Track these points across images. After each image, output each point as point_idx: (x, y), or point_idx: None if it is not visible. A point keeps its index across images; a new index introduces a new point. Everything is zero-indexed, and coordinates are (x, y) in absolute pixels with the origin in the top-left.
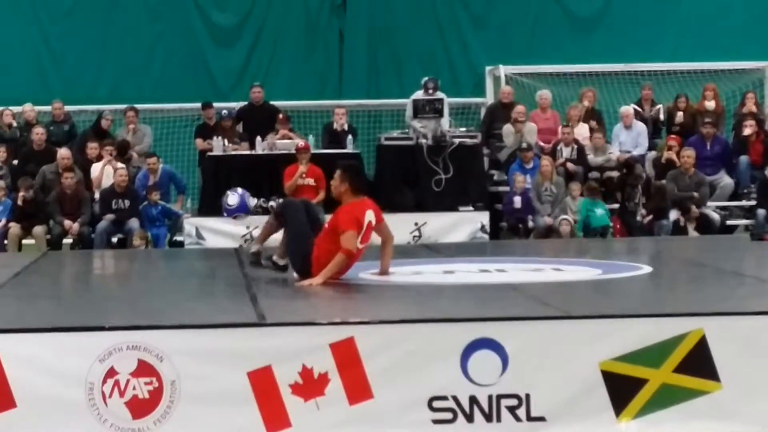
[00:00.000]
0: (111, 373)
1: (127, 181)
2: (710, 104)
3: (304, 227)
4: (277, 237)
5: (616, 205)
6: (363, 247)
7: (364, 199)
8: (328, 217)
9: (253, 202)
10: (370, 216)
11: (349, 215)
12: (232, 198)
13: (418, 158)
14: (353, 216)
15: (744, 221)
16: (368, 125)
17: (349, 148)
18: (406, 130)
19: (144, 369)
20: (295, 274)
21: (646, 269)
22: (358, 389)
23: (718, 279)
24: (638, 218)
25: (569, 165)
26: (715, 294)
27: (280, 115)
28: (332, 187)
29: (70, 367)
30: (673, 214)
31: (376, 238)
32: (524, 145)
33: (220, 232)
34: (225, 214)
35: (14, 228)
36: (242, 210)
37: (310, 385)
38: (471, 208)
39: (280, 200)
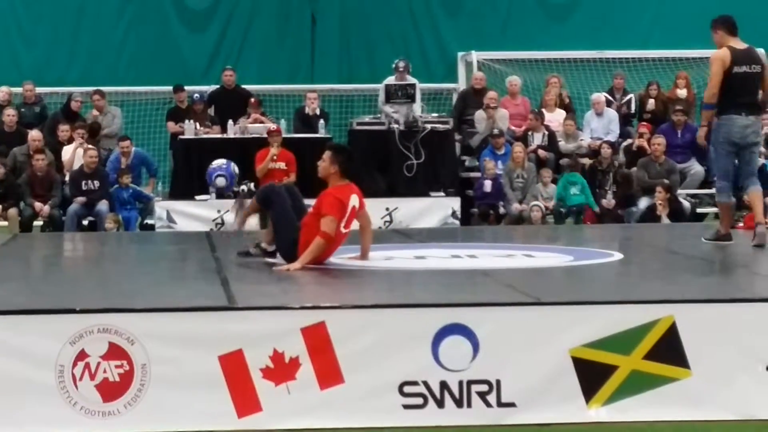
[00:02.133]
0: (81, 356)
1: (97, 163)
2: (682, 92)
3: (290, 213)
4: (253, 222)
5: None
6: (346, 232)
7: (350, 184)
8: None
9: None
10: (354, 201)
11: (333, 198)
12: (221, 180)
13: (389, 143)
14: (337, 199)
15: (714, 209)
16: (340, 110)
17: (321, 133)
18: (378, 115)
19: (115, 352)
20: (280, 259)
21: (617, 256)
22: (329, 374)
23: (689, 266)
24: (604, 204)
25: (540, 151)
26: (685, 281)
27: (252, 99)
28: (320, 167)
29: (40, 350)
30: (644, 202)
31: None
32: (496, 131)
33: (191, 216)
34: (212, 194)
35: None
36: (232, 185)
37: (281, 370)
38: (442, 193)
39: (252, 185)
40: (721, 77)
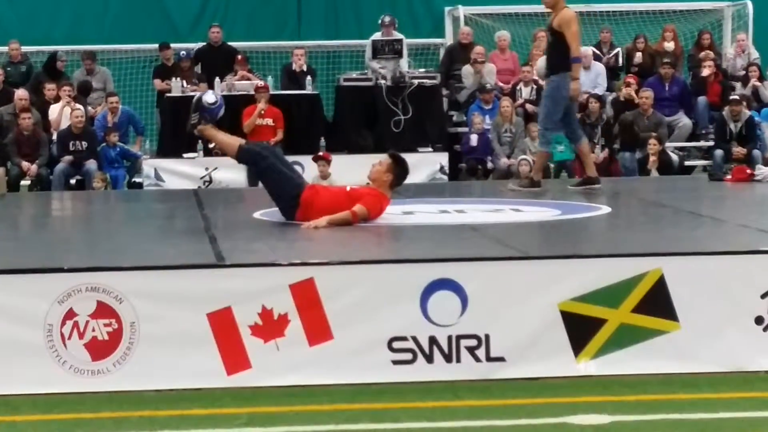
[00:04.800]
0: (70, 314)
1: (84, 123)
2: (669, 45)
3: (281, 173)
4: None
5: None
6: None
7: (390, 195)
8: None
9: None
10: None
11: (379, 203)
12: (210, 96)
13: (377, 99)
14: (380, 208)
15: (702, 162)
16: (327, 66)
17: (308, 89)
18: (365, 71)
19: (103, 310)
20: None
21: (605, 210)
22: (318, 330)
23: (677, 219)
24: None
25: (528, 106)
26: (673, 234)
27: (239, 56)
28: (374, 169)
29: (28, 309)
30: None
31: None
32: (488, 85)
33: (179, 174)
34: (206, 117)
35: None
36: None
37: (270, 326)
38: (430, 149)
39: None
40: None
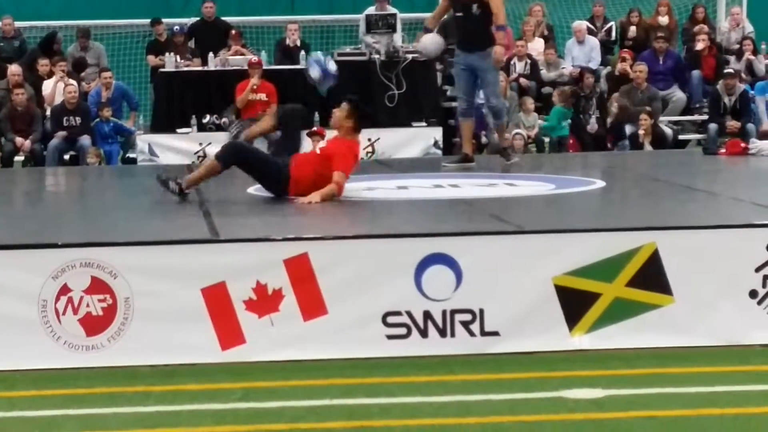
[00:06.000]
0: (64, 290)
1: (78, 98)
2: (663, 19)
3: (265, 157)
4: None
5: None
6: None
7: (358, 139)
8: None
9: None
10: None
11: (348, 154)
12: (314, 71)
13: (371, 74)
14: (352, 156)
15: (696, 136)
16: (321, 41)
17: (302, 64)
18: (359, 46)
19: (97, 286)
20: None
21: (599, 184)
22: (312, 305)
23: (671, 193)
24: (588, 130)
25: (522, 80)
26: (667, 208)
27: (233, 31)
28: (335, 116)
29: (22, 285)
30: (627, 129)
31: None
32: None
33: (173, 149)
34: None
35: None
36: (329, 77)
37: (265, 301)
38: (424, 123)
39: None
40: None
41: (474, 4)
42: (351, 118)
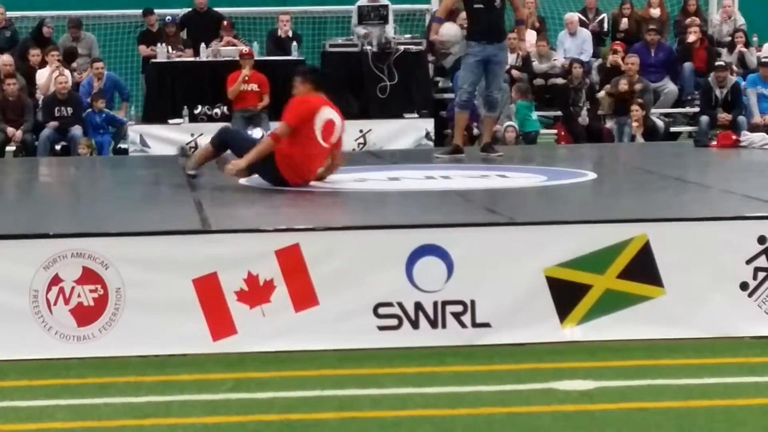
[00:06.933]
0: (55, 280)
1: (69, 88)
2: (655, 11)
3: (254, 141)
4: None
5: (560, 113)
6: (327, 147)
7: (320, 96)
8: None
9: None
10: (328, 113)
11: (295, 103)
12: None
13: (362, 65)
14: (298, 104)
15: (688, 128)
16: (313, 32)
17: (294, 55)
18: (351, 37)
19: (89, 276)
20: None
21: (591, 176)
22: (303, 296)
23: (662, 185)
24: (579, 122)
25: (514, 72)
26: (659, 200)
27: (225, 22)
28: (296, 92)
29: (14, 275)
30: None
31: None
32: None
33: (164, 140)
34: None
35: None
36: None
37: (256, 292)
38: (416, 115)
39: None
40: None
41: None
42: (306, 83)
